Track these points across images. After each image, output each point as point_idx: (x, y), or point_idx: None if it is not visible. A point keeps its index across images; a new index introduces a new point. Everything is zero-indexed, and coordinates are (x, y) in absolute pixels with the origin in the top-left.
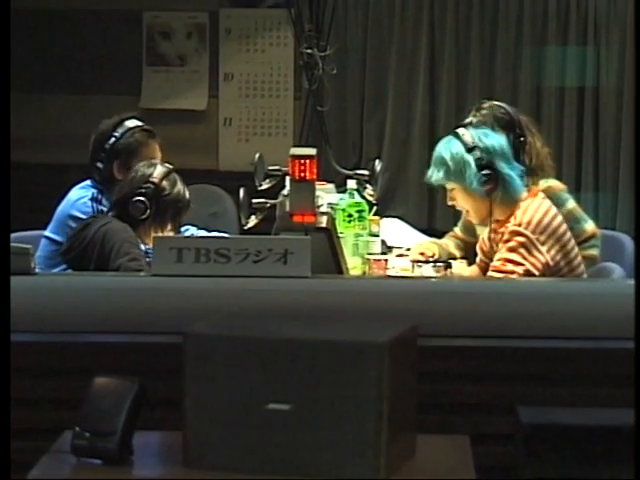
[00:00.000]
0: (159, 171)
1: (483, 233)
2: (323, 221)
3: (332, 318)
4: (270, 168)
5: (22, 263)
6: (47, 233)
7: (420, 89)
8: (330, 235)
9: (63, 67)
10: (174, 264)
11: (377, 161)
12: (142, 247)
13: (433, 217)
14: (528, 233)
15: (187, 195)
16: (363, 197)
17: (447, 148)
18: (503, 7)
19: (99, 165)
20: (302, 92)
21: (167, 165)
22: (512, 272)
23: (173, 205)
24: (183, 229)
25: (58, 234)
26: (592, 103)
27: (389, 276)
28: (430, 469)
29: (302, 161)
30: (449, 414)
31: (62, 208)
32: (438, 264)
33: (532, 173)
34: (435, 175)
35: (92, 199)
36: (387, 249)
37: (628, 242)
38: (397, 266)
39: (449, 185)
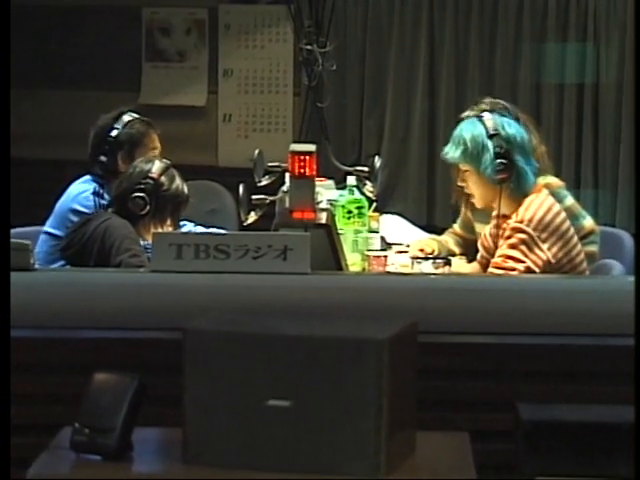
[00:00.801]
0: (157, 167)
1: (484, 229)
2: (323, 217)
3: (332, 314)
4: (269, 164)
5: (21, 259)
6: (47, 228)
7: (419, 85)
8: (330, 231)
9: (62, 63)
10: (173, 260)
11: (376, 157)
12: (142, 243)
13: (432, 214)
14: (529, 230)
15: (186, 190)
16: (363, 193)
17: (469, 129)
18: (502, 3)
19: (102, 159)
20: (301, 88)
21: (165, 161)
22: (513, 269)
23: (172, 200)
24: (180, 224)
25: (59, 229)
26: (591, 99)
27: (389, 272)
28: (430, 466)
29: (302, 157)
30: (449, 411)
31: (63, 202)
32: (437, 260)
33: None
34: (452, 153)
35: (94, 193)
36: (386, 245)
37: (627, 239)
38: (397, 262)
39: (463, 166)
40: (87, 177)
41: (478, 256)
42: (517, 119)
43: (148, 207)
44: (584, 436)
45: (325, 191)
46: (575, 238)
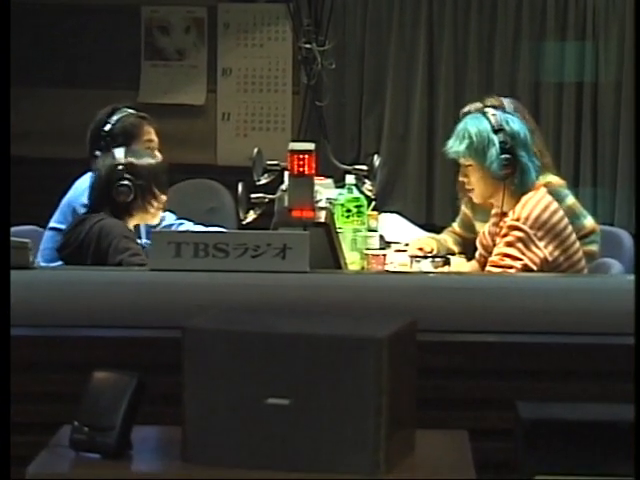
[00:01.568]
0: (119, 153)
1: (483, 227)
2: (322, 216)
3: (331, 313)
4: (268, 163)
5: (21, 257)
6: (52, 224)
7: (419, 84)
8: (329, 230)
9: (62, 61)
10: (172, 259)
11: (375, 156)
12: (144, 239)
13: (431, 212)
14: (526, 228)
15: (155, 159)
16: (362, 192)
17: (474, 123)
18: (501, 2)
19: (98, 154)
20: (300, 87)
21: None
22: (510, 267)
23: (150, 171)
24: (178, 222)
25: (65, 224)
26: (591, 98)
27: (387, 271)
28: (429, 464)
29: (301, 156)
30: (448, 409)
31: (69, 198)
32: (436, 259)
33: None
34: (456, 147)
35: None
36: (385, 244)
37: (626, 238)
38: (395, 261)
39: (466, 160)
40: (90, 173)
41: (476, 254)
42: (522, 116)
43: (133, 191)
44: (584, 435)
45: (324, 190)
46: (573, 236)
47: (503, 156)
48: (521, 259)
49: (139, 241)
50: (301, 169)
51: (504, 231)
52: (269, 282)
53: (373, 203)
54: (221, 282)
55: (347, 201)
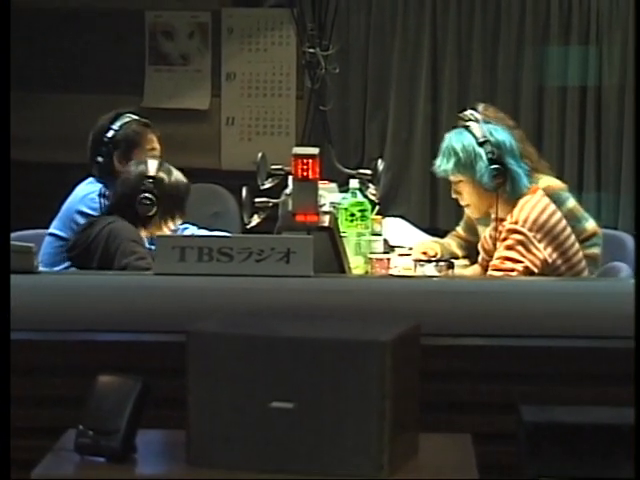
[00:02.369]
0: (152, 164)
1: (485, 232)
2: (325, 220)
3: (334, 317)
4: (272, 167)
5: (25, 262)
6: (52, 230)
7: (422, 88)
8: (332, 234)
9: (66, 66)
10: (177, 263)
11: (379, 160)
12: (147, 245)
13: (435, 216)
14: (525, 231)
15: (185, 180)
16: (365, 196)
17: (459, 139)
18: (505, 7)
19: (99, 160)
20: (304, 91)
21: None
22: (512, 270)
23: (176, 193)
24: (183, 227)
25: (64, 230)
26: (594, 102)
27: (391, 275)
28: (432, 468)
29: (304, 160)
30: (451, 413)
31: (69, 204)
32: (440, 263)
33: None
34: (444, 165)
35: (100, 195)
36: (389, 248)
37: (630, 241)
38: (399, 265)
39: (455, 177)
40: (92, 179)
41: (479, 258)
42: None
43: (155, 207)
44: (587, 438)
45: (328, 194)
46: (572, 238)
47: (492, 167)
48: (522, 261)
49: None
50: (305, 173)
51: (503, 235)
52: (273, 286)
53: (377, 207)
54: (225, 286)
55: (351, 205)
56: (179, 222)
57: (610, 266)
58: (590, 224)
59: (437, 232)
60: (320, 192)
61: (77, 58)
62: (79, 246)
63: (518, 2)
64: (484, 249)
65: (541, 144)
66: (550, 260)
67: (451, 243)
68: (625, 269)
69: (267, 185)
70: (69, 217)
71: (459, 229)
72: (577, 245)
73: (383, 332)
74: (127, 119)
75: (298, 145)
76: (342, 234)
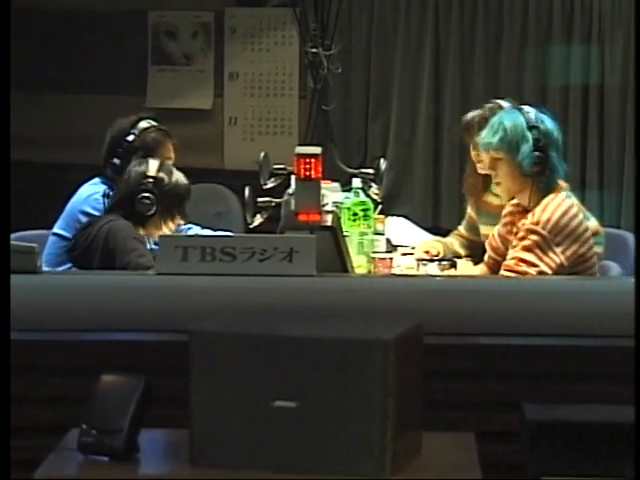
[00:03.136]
0: (153, 165)
1: (489, 231)
2: (328, 220)
3: (337, 316)
4: (275, 167)
5: (28, 262)
6: (56, 230)
7: (425, 88)
8: (335, 234)
9: (69, 67)
10: (180, 262)
11: (382, 160)
12: (147, 245)
13: (438, 216)
14: (544, 233)
15: (185, 180)
16: (368, 196)
17: (510, 118)
18: (507, 7)
19: (115, 161)
20: (307, 91)
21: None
22: (526, 273)
23: (176, 194)
24: (186, 227)
25: (68, 230)
26: (597, 101)
27: (394, 274)
28: (435, 466)
29: (307, 160)
30: (454, 411)
31: (73, 204)
32: (443, 262)
33: None
34: (489, 138)
35: (104, 195)
36: (392, 248)
37: (632, 240)
38: (402, 264)
39: (497, 153)
40: (97, 179)
41: (485, 257)
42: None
43: (155, 207)
44: (590, 436)
45: (331, 193)
46: (591, 240)
47: (535, 153)
48: (537, 265)
49: (149, 246)
50: (308, 173)
51: (521, 234)
52: (276, 286)
53: (379, 207)
54: (228, 286)
55: (354, 205)
56: (178, 223)
57: (601, 264)
58: (592, 223)
59: (439, 231)
60: (323, 191)
61: (80, 58)
62: (80, 246)
63: (520, 2)
64: (492, 247)
65: None
66: (567, 263)
67: (453, 242)
68: (615, 267)
69: (270, 185)
70: (73, 217)
71: (461, 228)
72: (594, 249)
73: (386, 331)
74: (148, 125)
75: (301, 145)
76: (345, 233)
